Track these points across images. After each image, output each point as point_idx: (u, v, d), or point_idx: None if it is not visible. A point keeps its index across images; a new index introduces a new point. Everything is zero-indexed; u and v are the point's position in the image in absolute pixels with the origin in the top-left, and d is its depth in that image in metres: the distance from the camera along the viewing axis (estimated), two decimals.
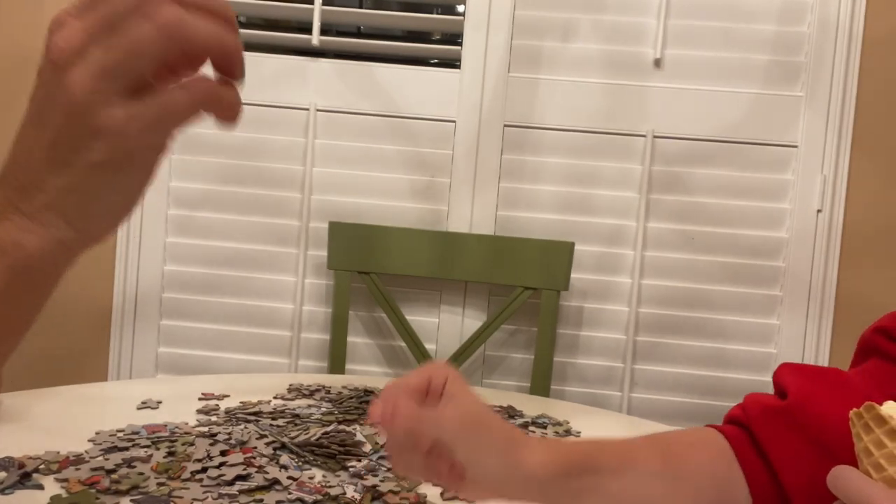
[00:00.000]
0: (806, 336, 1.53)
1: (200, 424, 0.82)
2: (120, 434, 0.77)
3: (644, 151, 1.54)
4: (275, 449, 0.75)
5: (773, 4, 1.53)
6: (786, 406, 0.61)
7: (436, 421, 0.52)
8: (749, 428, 0.62)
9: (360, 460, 0.74)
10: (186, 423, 0.82)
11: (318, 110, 1.59)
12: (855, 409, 0.42)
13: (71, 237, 0.42)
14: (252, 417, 0.85)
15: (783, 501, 0.59)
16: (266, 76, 1.59)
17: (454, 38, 1.69)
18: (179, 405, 0.90)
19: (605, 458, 0.58)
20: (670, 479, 0.59)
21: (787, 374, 0.64)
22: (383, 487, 0.67)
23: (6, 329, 0.42)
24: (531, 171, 1.57)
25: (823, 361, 1.53)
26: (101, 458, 0.70)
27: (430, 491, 0.68)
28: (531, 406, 1.01)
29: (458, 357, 1.51)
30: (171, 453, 0.72)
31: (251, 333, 1.61)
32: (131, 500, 0.62)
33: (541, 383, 1.48)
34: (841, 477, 0.39)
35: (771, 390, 0.67)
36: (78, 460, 0.69)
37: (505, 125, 1.57)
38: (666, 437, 0.65)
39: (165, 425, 0.80)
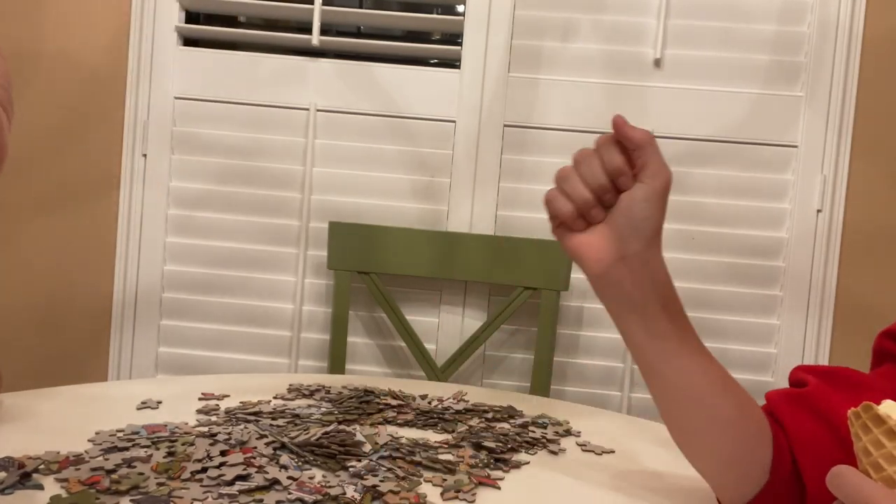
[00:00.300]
0: (806, 336, 1.53)
1: (200, 424, 0.82)
2: (120, 434, 0.77)
3: None
4: (275, 449, 0.75)
5: (773, 4, 1.53)
6: (805, 392, 0.62)
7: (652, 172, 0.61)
8: (773, 413, 0.63)
9: (360, 460, 0.74)
10: (186, 423, 0.82)
11: (318, 110, 1.59)
12: (853, 409, 0.42)
13: None
14: (252, 417, 0.85)
15: (797, 481, 0.59)
16: (266, 76, 1.59)
17: (454, 38, 1.69)
18: (179, 405, 0.90)
19: (677, 321, 0.66)
20: (721, 385, 0.62)
21: (805, 372, 0.65)
22: (383, 487, 0.67)
23: None
24: (531, 171, 1.57)
25: (823, 361, 1.53)
26: (101, 458, 0.70)
27: (431, 491, 0.68)
28: (531, 406, 1.01)
29: (458, 357, 1.51)
30: (171, 453, 0.72)
31: (251, 333, 1.61)
32: (131, 500, 0.62)
33: (541, 383, 1.48)
34: (840, 476, 0.39)
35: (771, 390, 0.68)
36: (78, 460, 0.69)
37: (505, 125, 1.57)
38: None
39: (165, 425, 0.80)
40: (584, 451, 0.84)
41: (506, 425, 0.90)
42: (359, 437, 0.80)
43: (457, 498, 0.68)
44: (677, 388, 0.62)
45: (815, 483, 0.58)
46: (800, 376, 0.65)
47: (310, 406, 0.92)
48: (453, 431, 0.86)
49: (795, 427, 0.60)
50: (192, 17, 1.68)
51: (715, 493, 0.66)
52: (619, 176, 0.62)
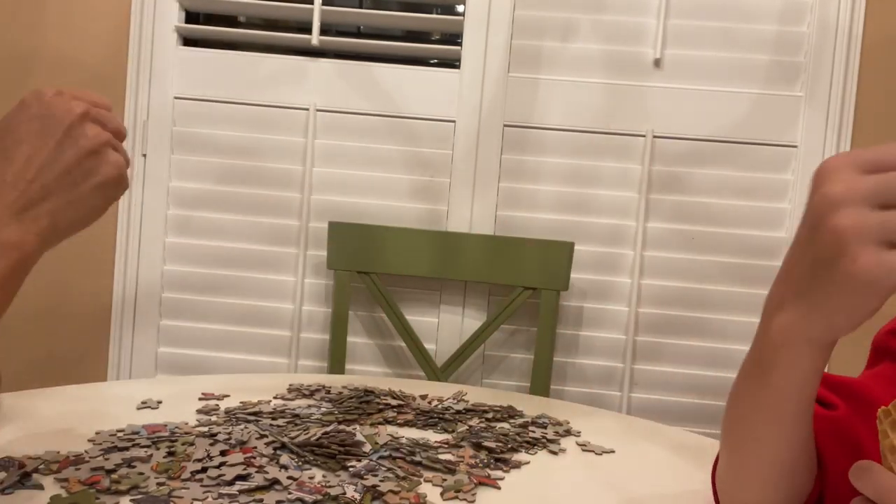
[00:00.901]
0: None
1: (200, 424, 0.82)
2: (120, 434, 0.77)
3: (644, 151, 1.54)
4: (275, 449, 0.75)
5: (773, 4, 1.53)
6: (837, 417, 0.59)
7: None
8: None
9: (360, 460, 0.74)
10: (186, 423, 0.82)
11: (317, 110, 1.59)
12: (883, 407, 0.42)
13: (55, 238, 0.58)
14: (252, 417, 0.85)
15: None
16: (266, 76, 1.59)
17: (454, 38, 1.69)
18: (179, 405, 0.90)
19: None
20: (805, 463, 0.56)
21: (826, 389, 0.62)
22: (383, 487, 0.67)
23: None
24: (531, 171, 1.57)
25: None
26: (101, 458, 0.70)
27: (431, 491, 0.68)
28: (531, 406, 1.01)
29: (458, 357, 1.51)
30: (171, 453, 0.72)
31: (251, 333, 1.61)
32: (131, 500, 0.62)
33: (541, 383, 1.48)
34: (864, 470, 0.40)
35: None
36: (78, 460, 0.69)
37: (505, 125, 1.57)
38: None
39: (165, 425, 0.80)
40: (584, 451, 0.84)
41: (506, 425, 0.90)
42: (359, 437, 0.80)
43: (457, 498, 0.68)
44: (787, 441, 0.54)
45: None
46: (822, 393, 0.61)
47: (310, 406, 0.92)
48: (453, 431, 0.86)
49: (834, 462, 0.57)
50: (192, 17, 1.68)
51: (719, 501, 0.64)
52: None
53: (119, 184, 0.63)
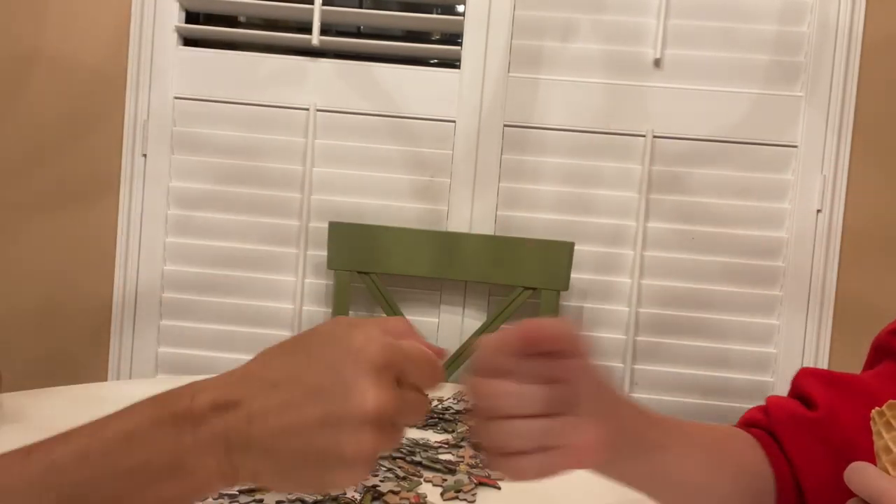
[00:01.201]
0: (806, 336, 1.53)
1: None
2: None
3: (644, 151, 1.54)
4: None
5: (773, 4, 1.52)
6: (816, 419, 0.60)
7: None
8: (773, 432, 0.61)
9: None
10: None
11: (318, 110, 1.59)
12: (877, 408, 0.42)
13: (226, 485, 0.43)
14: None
15: None
16: (266, 76, 1.59)
17: (454, 38, 1.69)
18: None
19: (654, 432, 0.55)
20: (714, 457, 0.58)
21: (813, 383, 0.62)
22: (383, 487, 0.67)
23: None
24: (531, 171, 1.57)
25: (823, 361, 1.53)
26: None
27: (431, 491, 0.68)
28: None
29: (458, 357, 1.51)
30: None
31: (251, 333, 1.61)
32: None
33: None
34: (858, 471, 0.40)
35: (771, 391, 0.66)
36: None
37: (505, 125, 1.57)
38: (697, 423, 0.62)
39: None
40: None
41: None
42: None
43: (457, 498, 0.68)
44: (677, 483, 0.57)
45: None
46: (809, 390, 0.62)
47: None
48: (453, 431, 0.86)
49: (804, 459, 0.58)
50: (192, 17, 1.68)
51: None
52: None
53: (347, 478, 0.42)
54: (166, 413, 0.41)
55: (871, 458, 0.42)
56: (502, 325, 1.52)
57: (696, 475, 0.57)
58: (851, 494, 0.43)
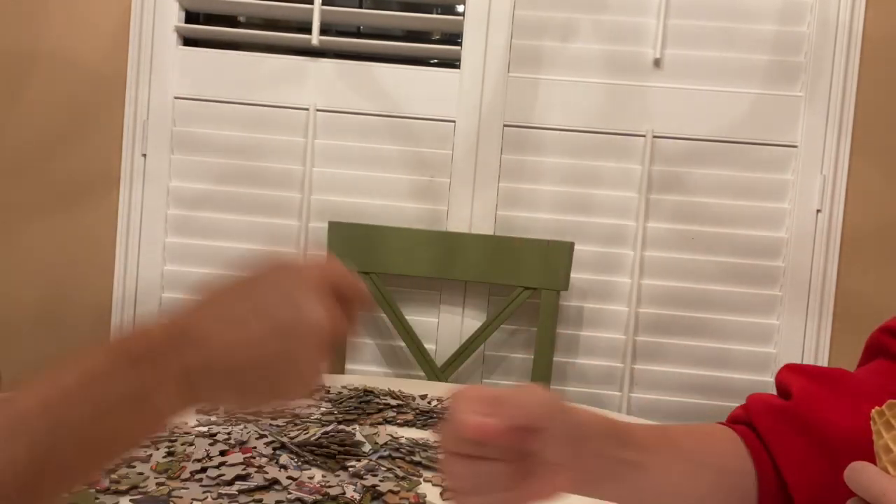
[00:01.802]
0: (806, 336, 1.53)
1: (200, 424, 0.82)
2: None
3: (644, 151, 1.54)
4: (274, 449, 0.75)
5: (773, 4, 1.52)
6: (789, 406, 0.61)
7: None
8: (752, 424, 0.62)
9: (359, 460, 0.74)
10: (186, 423, 0.82)
11: (317, 110, 1.59)
12: (877, 408, 0.42)
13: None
14: (251, 417, 0.85)
15: (787, 498, 0.59)
16: (266, 76, 1.59)
17: (454, 37, 1.69)
18: None
19: (629, 452, 0.56)
20: (694, 463, 0.59)
21: (790, 375, 0.64)
22: (383, 487, 0.67)
23: (106, 460, 0.45)
24: (531, 171, 1.57)
25: (823, 361, 1.53)
26: None
27: (431, 491, 0.68)
28: None
29: (458, 357, 1.51)
30: (170, 453, 0.72)
31: None
32: (131, 500, 0.62)
33: (541, 383, 1.48)
34: (859, 471, 0.40)
35: (771, 390, 0.67)
36: None
37: (505, 125, 1.57)
38: (681, 427, 0.64)
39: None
40: None
41: None
42: (358, 436, 0.80)
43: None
44: (660, 495, 0.58)
45: (803, 499, 0.57)
46: (786, 381, 0.63)
47: (309, 406, 0.92)
48: None
49: (781, 447, 0.59)
50: (192, 17, 1.68)
51: None
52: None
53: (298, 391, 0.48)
54: (123, 356, 0.44)
55: (851, 443, 0.42)
56: (502, 326, 1.52)
57: (677, 485, 0.59)
58: (831, 480, 0.43)
